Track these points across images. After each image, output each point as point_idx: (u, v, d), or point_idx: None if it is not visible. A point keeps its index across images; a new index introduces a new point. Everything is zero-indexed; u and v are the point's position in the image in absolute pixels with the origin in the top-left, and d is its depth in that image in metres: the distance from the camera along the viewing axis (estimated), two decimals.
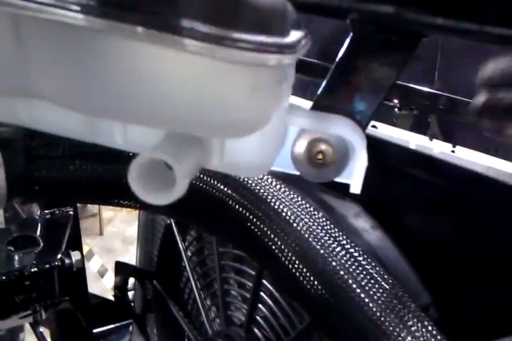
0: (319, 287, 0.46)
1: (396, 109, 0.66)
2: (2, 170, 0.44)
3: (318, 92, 0.39)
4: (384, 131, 0.61)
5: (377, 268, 0.48)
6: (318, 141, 0.34)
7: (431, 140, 0.57)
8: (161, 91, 0.25)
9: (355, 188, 0.33)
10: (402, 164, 0.61)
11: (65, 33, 0.25)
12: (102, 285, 2.92)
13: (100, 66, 0.25)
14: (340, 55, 0.39)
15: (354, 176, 0.33)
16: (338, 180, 0.34)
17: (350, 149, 0.33)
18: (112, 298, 1.11)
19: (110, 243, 3.60)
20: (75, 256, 0.88)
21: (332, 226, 0.50)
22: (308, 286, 0.47)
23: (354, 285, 0.46)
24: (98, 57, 0.25)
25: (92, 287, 1.05)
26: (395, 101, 0.65)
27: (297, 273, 0.46)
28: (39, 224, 0.91)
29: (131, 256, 1.14)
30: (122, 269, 1.06)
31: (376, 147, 0.60)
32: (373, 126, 0.62)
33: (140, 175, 0.28)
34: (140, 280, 1.03)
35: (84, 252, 1.04)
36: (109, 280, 2.90)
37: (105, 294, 1.20)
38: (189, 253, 0.88)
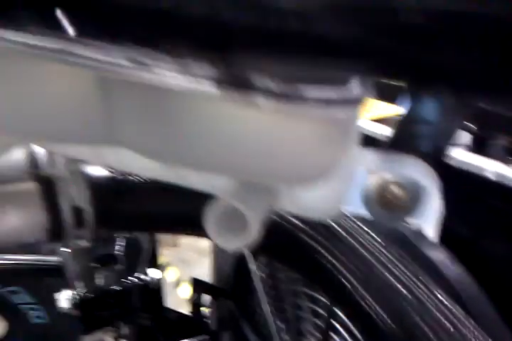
0: (393, 325, 0.45)
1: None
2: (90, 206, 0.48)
3: (392, 130, 0.39)
4: (464, 158, 0.59)
5: (458, 311, 0.45)
6: (390, 183, 0.34)
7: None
8: (235, 146, 0.27)
9: (431, 233, 0.32)
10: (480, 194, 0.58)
11: (149, 93, 0.27)
12: (176, 295, 3.01)
13: (180, 124, 0.27)
14: None
15: (429, 220, 0.33)
16: (411, 224, 0.34)
17: (424, 192, 0.33)
18: (187, 312, 1.14)
19: (184, 254, 3.71)
20: (155, 275, 0.93)
21: (406, 261, 0.49)
22: (382, 324, 0.46)
23: (430, 325, 0.44)
24: (178, 116, 0.27)
25: (167, 297, 1.08)
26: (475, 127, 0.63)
27: (370, 311, 0.45)
28: (118, 242, 0.96)
29: (204, 268, 1.18)
30: (199, 286, 1.09)
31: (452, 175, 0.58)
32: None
33: (216, 221, 0.29)
34: (215, 297, 1.06)
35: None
36: (184, 290, 2.98)
37: (179, 305, 1.24)
38: (262, 275, 0.88)
